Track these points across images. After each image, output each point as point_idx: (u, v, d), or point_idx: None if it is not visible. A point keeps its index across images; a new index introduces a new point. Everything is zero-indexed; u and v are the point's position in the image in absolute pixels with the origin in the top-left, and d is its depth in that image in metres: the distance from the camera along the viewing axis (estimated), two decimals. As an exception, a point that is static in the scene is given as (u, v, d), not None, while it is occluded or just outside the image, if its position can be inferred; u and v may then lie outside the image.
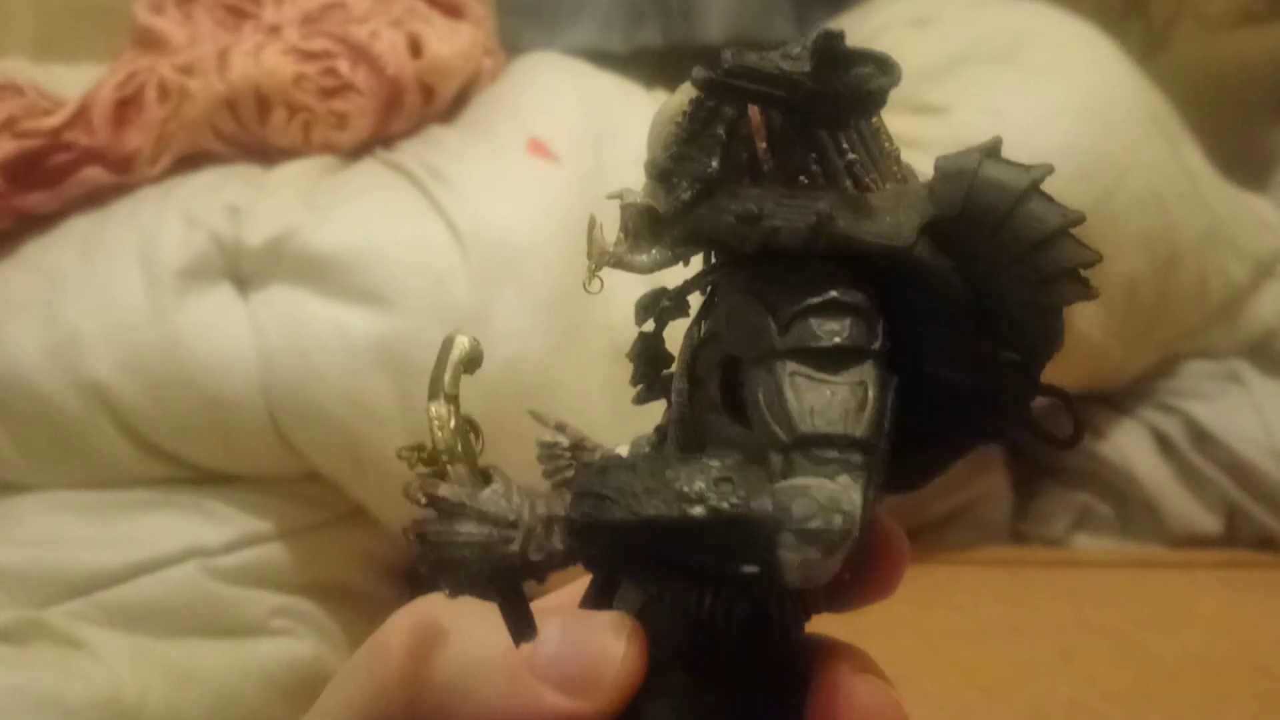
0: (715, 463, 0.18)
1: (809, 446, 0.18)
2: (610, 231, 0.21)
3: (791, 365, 0.18)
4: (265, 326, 0.60)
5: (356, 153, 0.70)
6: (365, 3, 0.75)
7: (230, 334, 0.60)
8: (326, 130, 0.68)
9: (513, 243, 0.63)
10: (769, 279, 0.19)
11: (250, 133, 0.68)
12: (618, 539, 0.18)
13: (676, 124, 0.20)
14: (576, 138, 0.69)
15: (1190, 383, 0.77)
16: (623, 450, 0.23)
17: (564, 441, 0.23)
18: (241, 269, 0.61)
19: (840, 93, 0.19)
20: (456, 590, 0.18)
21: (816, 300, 0.19)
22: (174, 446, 0.62)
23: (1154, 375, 0.78)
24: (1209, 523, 0.75)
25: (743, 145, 0.19)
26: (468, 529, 0.18)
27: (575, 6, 1.09)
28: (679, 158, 0.20)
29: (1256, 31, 1.21)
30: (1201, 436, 0.75)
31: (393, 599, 0.70)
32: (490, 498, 0.19)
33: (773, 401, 0.18)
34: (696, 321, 0.22)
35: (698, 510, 0.17)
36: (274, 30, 0.75)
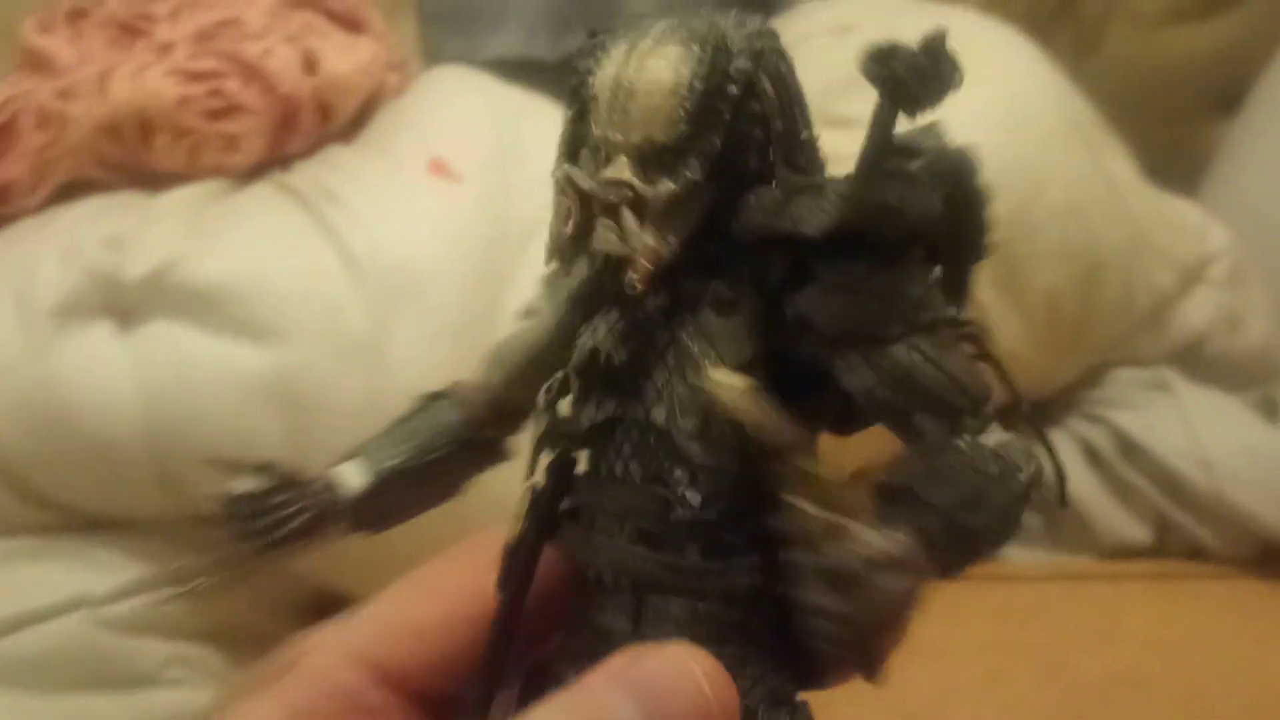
0: (978, 441, 0.19)
1: (979, 409, 0.19)
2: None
3: (937, 338, 0.19)
4: (147, 364, 0.57)
5: (250, 175, 0.67)
6: (261, 18, 0.72)
7: (111, 373, 0.57)
8: (216, 153, 0.65)
9: (411, 268, 0.60)
10: (853, 259, 0.19)
11: (134, 158, 0.65)
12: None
13: (682, 99, 0.19)
14: (481, 157, 0.66)
15: (1117, 392, 0.76)
16: (351, 468, 0.20)
17: (273, 484, 0.20)
18: (122, 304, 0.58)
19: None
20: None
21: (937, 275, 0.20)
22: (56, 492, 0.59)
23: (1080, 385, 0.77)
24: (1139, 533, 0.74)
25: (753, 124, 0.19)
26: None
27: (497, 15, 1.07)
28: (691, 136, 0.19)
29: (1188, 29, 1.20)
30: (1129, 447, 0.73)
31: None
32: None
33: (935, 374, 0.19)
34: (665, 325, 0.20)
35: (1025, 485, 0.19)
36: (166, 48, 0.71)
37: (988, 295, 0.66)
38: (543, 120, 0.70)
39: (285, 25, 0.72)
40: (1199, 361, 0.79)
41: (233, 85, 0.66)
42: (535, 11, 1.08)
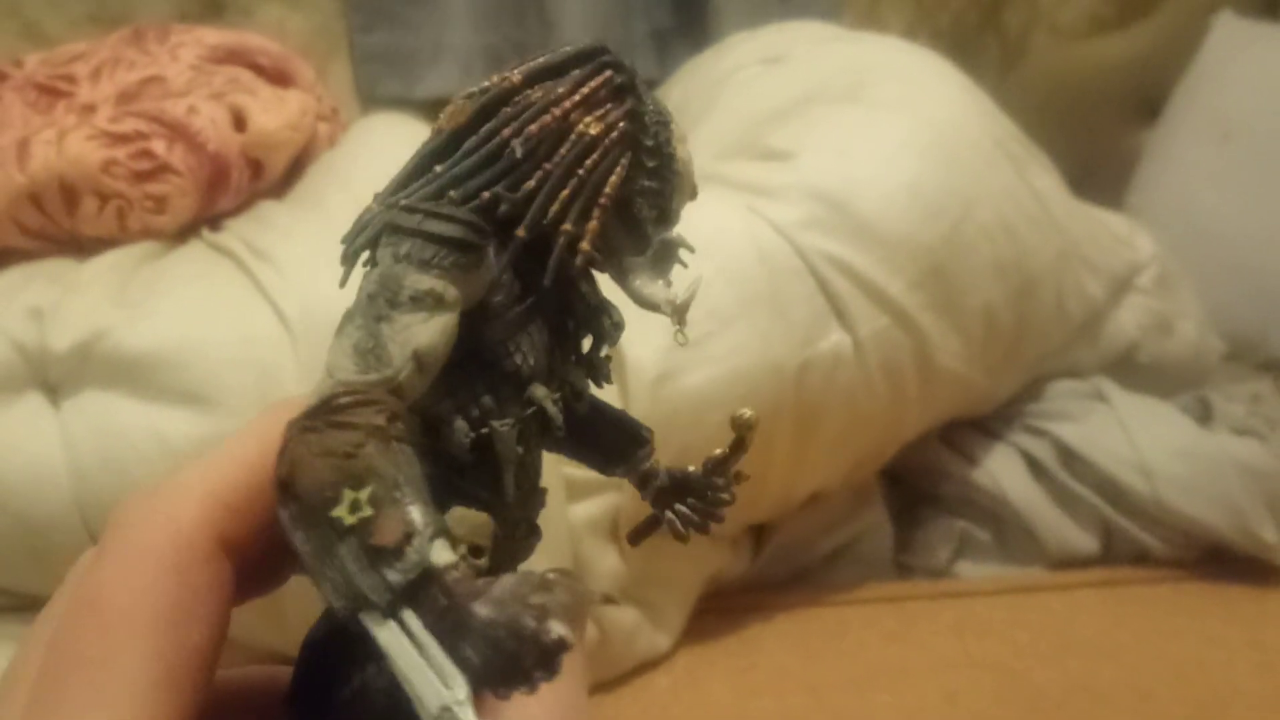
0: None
1: None
2: None
3: None
4: (77, 437, 0.55)
5: (182, 235, 0.66)
6: (185, 75, 0.71)
7: (39, 448, 0.56)
8: (144, 215, 0.64)
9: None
10: None
11: (59, 225, 0.63)
12: None
13: None
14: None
15: (1057, 403, 0.78)
16: None
17: None
18: (49, 376, 0.57)
19: None
20: None
21: None
22: (-10, 573, 0.58)
23: (1021, 398, 0.78)
24: (1085, 542, 0.75)
25: None
26: None
27: (433, 52, 1.07)
28: None
29: (1108, 39, 1.24)
30: (1070, 457, 0.75)
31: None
32: None
33: None
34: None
35: None
36: (88, 109, 0.70)
37: (927, 319, 0.67)
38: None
39: (210, 81, 0.71)
40: (1134, 369, 0.81)
41: (159, 145, 0.65)
42: (469, 49, 1.08)
